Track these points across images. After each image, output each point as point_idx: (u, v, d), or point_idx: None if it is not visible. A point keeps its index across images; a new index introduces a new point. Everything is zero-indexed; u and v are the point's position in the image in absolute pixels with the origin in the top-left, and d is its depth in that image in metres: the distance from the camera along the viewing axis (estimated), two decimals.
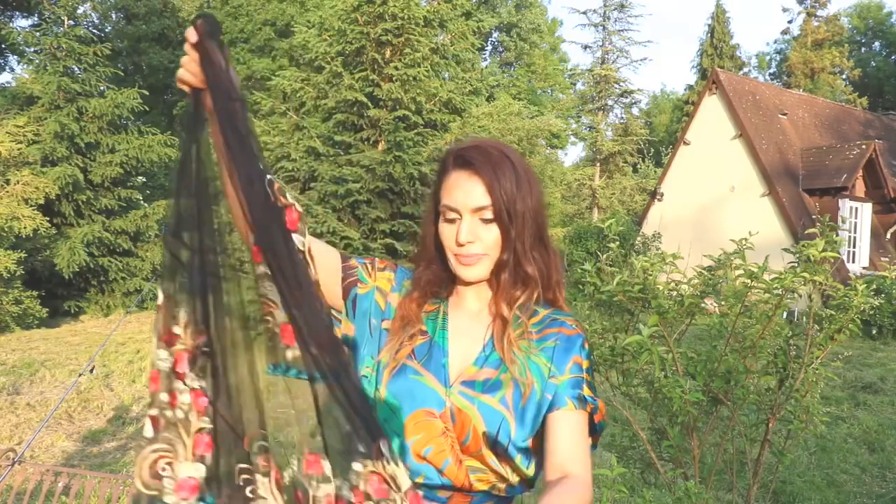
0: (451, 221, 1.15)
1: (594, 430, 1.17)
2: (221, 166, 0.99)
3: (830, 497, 4.61)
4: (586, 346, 1.17)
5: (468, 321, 1.19)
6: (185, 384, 0.93)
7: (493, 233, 1.14)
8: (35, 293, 10.97)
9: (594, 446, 1.20)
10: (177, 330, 0.95)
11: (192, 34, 0.99)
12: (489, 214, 1.13)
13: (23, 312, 10.67)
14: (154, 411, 0.93)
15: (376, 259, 1.24)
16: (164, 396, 0.93)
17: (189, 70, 1.00)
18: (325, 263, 1.14)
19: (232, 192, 0.97)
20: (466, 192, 1.13)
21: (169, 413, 0.92)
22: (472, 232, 1.13)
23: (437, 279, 1.20)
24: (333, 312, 1.17)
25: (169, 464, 0.91)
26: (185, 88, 1.02)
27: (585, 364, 1.16)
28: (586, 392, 1.13)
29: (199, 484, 0.91)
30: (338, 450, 0.89)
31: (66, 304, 12.47)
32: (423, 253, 1.23)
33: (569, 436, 1.08)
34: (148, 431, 0.93)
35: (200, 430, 0.92)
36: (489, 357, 1.14)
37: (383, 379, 1.13)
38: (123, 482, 2.81)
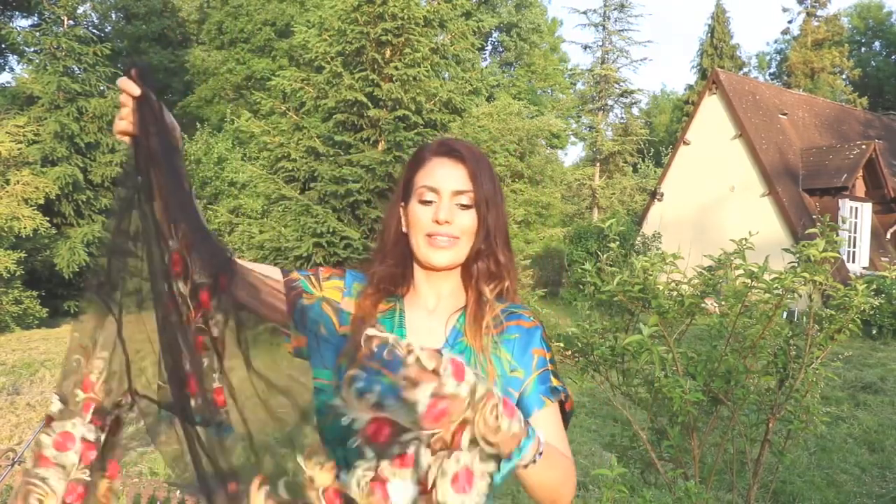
0: (428, 203, 1.14)
1: (564, 419, 1.17)
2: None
3: (830, 497, 4.61)
4: (545, 336, 1.19)
5: (426, 318, 1.17)
6: (80, 431, 0.98)
7: (469, 219, 1.14)
8: (35, 293, 10.98)
9: None
10: (93, 377, 1.01)
11: (127, 83, 0.97)
12: (468, 200, 1.13)
13: (23, 312, 10.68)
14: (39, 447, 0.98)
15: (321, 269, 1.21)
16: (52, 437, 0.99)
17: (126, 119, 0.98)
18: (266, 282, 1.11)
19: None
20: (448, 175, 1.14)
21: (52, 453, 0.97)
22: (450, 213, 1.13)
23: (392, 275, 1.18)
24: (282, 328, 1.13)
25: (39, 500, 0.96)
26: (125, 139, 1.00)
27: (548, 355, 1.17)
28: (555, 382, 1.15)
29: None
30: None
31: (66, 304, 12.47)
32: (380, 246, 1.22)
33: (552, 433, 1.09)
34: (29, 463, 0.99)
35: (77, 479, 0.96)
36: (451, 352, 1.13)
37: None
38: (122, 482, 2.80)
